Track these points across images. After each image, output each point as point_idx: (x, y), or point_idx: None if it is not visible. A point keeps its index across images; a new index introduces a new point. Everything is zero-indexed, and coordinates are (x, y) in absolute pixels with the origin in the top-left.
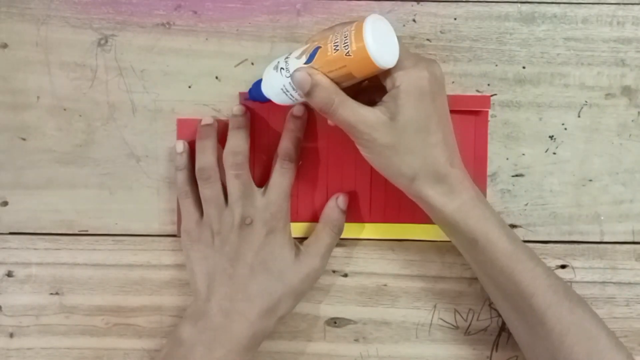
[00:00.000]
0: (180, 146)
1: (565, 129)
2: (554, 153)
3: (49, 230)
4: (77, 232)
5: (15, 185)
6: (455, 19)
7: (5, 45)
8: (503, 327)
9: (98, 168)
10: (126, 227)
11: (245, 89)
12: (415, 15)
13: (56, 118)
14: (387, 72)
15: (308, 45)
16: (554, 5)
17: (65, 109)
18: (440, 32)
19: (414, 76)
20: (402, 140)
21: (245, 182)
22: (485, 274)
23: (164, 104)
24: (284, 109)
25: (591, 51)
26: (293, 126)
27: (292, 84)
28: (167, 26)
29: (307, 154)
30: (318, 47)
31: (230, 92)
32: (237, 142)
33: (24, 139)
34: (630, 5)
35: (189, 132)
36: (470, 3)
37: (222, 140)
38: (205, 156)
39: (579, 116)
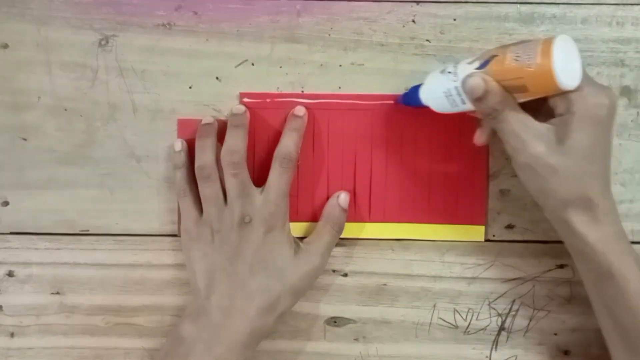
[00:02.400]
0: (179, 145)
1: None
2: None
3: (50, 230)
4: (77, 232)
5: (16, 185)
6: (455, 19)
7: (5, 46)
8: (502, 327)
9: (98, 168)
10: (127, 227)
11: (245, 89)
12: (414, 15)
13: (57, 118)
14: (563, 95)
15: (481, 54)
16: (553, 5)
17: (66, 109)
18: (440, 32)
19: (591, 103)
20: (565, 164)
21: (243, 181)
22: (607, 308)
23: (164, 104)
24: (284, 109)
25: (591, 51)
26: (294, 125)
27: (460, 88)
28: (168, 27)
29: (307, 154)
30: (494, 56)
31: (231, 92)
32: (235, 141)
33: (24, 139)
34: (630, 6)
35: (190, 132)
36: (470, 3)
37: (222, 139)
38: (205, 155)
39: None
